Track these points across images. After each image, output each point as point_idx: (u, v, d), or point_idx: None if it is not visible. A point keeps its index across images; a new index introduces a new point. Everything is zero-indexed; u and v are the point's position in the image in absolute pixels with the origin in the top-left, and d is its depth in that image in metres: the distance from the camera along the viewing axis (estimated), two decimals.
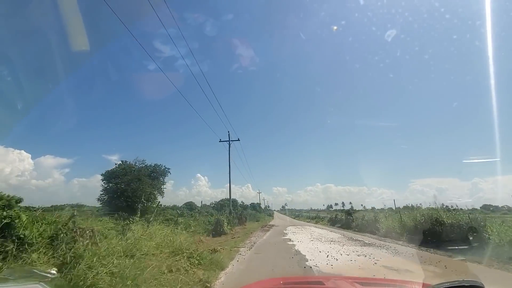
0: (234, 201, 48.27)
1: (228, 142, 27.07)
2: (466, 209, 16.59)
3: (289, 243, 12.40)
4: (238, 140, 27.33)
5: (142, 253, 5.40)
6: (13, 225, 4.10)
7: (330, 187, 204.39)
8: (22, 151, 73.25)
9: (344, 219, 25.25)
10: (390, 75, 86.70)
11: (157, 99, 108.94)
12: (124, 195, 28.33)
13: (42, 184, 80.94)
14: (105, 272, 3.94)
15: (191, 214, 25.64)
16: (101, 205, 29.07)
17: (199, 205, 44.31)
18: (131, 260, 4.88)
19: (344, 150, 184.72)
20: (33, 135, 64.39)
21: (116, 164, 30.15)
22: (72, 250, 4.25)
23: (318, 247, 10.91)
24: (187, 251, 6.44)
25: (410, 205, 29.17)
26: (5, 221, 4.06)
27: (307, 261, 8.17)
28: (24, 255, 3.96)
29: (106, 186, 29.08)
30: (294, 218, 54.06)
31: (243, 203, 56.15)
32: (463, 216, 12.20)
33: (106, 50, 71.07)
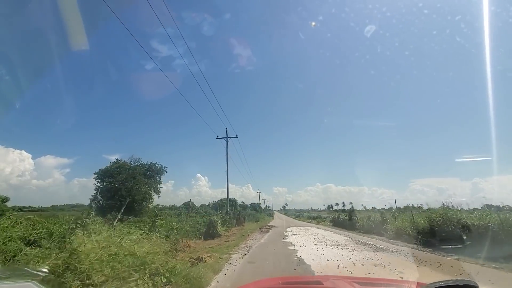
0: (234, 201, 46.39)
1: (226, 139, 25.27)
2: (467, 209, 14.92)
3: (290, 248, 10.50)
4: (236, 137, 25.47)
5: (75, 272, 3.58)
6: None
7: (330, 187, 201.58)
8: (23, 151, 71.91)
9: (348, 220, 23.31)
10: (388, 74, 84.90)
11: (157, 99, 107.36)
12: (118, 195, 26.56)
13: (43, 184, 79.31)
14: None
15: (187, 214, 23.81)
16: (94, 205, 27.32)
17: (198, 205, 42.54)
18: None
19: (344, 150, 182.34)
20: (33, 135, 62.99)
21: (110, 162, 28.44)
22: None
23: (325, 254, 9.02)
24: (152, 265, 4.59)
25: (410, 205, 27.61)
26: None
27: (314, 273, 6.32)
28: None
29: (99, 185, 27.40)
30: (294, 218, 51.91)
31: (243, 203, 54.28)
32: (492, 217, 10.28)
33: (105, 49, 69.84)
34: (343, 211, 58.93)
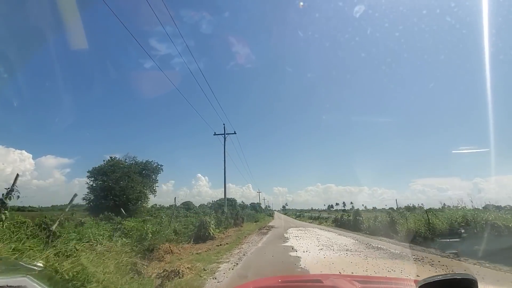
0: (233, 200, 44.52)
1: (223, 135, 23.54)
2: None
3: (291, 254, 8.69)
4: (235, 133, 23.79)
5: None
6: None
7: (330, 187, 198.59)
8: (23, 151, 70.40)
9: (352, 220, 21.44)
10: (388, 71, 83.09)
11: (156, 98, 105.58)
12: (112, 194, 24.77)
13: (43, 184, 77.62)
14: None
15: (186, 214, 21.99)
16: (86, 205, 25.54)
17: (197, 205, 40.76)
18: None
19: (345, 150, 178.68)
20: (33, 135, 61.57)
21: (104, 160, 26.69)
22: None
23: (334, 262, 7.21)
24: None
25: (411, 205, 26.10)
26: None
27: None
28: None
29: (92, 184, 25.63)
30: (295, 219, 49.85)
31: (243, 202, 52.50)
32: None
33: (104, 48, 68.51)
34: (343, 211, 56.99)
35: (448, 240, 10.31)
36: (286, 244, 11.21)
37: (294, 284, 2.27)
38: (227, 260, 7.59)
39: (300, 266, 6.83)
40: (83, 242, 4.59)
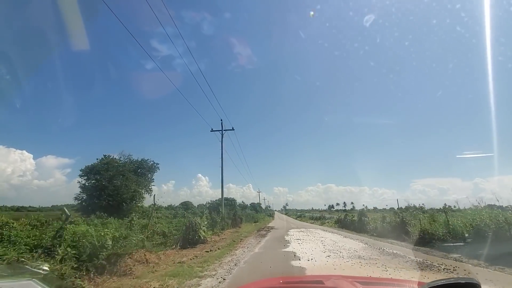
0: (233, 200, 42.75)
1: (221, 132, 21.92)
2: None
3: (294, 263, 6.97)
4: (233, 129, 22.15)
5: None
6: None
7: (331, 187, 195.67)
8: (24, 151, 69.19)
9: (357, 221, 19.70)
10: (390, 74, 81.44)
11: (158, 98, 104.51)
12: (105, 193, 23.13)
13: (44, 184, 76.21)
14: None
15: (184, 214, 20.29)
16: (78, 205, 23.92)
17: (196, 205, 39.04)
18: None
19: (345, 150, 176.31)
20: (34, 135, 60.27)
21: (97, 159, 25.06)
22: None
23: (347, 275, 5.55)
24: None
25: (412, 205, 24.69)
26: None
27: None
28: None
29: (85, 183, 24.01)
30: (296, 219, 47.86)
31: (243, 203, 50.80)
32: None
33: (105, 49, 67.32)
34: (344, 211, 55.11)
35: (476, 244, 8.63)
36: (287, 249, 9.49)
37: (295, 285, 2.19)
38: (213, 272, 5.88)
39: None
40: None
